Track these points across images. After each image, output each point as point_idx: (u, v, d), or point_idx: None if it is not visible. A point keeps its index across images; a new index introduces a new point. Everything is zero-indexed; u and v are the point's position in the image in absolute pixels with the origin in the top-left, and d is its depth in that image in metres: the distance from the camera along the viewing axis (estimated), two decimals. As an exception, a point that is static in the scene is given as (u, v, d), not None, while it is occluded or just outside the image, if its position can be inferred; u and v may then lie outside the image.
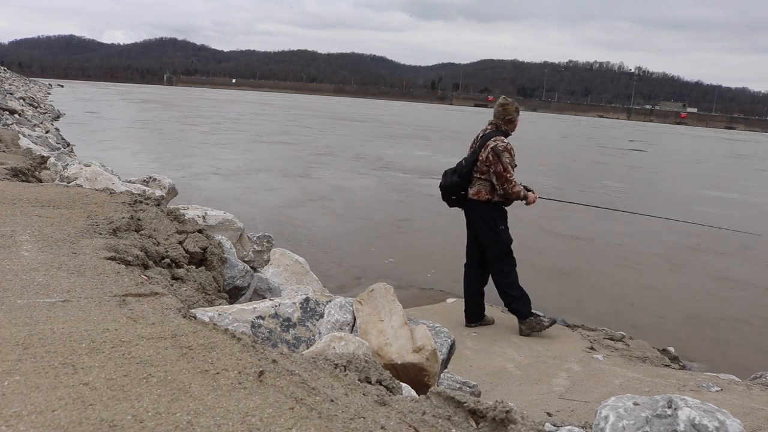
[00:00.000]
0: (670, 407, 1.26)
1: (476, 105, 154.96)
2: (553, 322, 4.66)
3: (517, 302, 4.62)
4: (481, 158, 4.54)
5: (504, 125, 4.64)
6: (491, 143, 4.51)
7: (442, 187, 4.81)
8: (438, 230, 8.84)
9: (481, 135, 4.69)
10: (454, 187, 4.70)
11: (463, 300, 4.90)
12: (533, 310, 4.69)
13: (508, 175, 4.47)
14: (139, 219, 2.87)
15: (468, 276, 4.88)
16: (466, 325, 4.77)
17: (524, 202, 4.64)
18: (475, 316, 4.81)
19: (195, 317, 1.82)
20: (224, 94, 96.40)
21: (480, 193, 4.59)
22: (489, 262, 4.73)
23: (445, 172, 4.84)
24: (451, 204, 4.85)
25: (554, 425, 1.79)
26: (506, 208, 4.71)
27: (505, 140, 4.55)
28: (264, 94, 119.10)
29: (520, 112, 4.80)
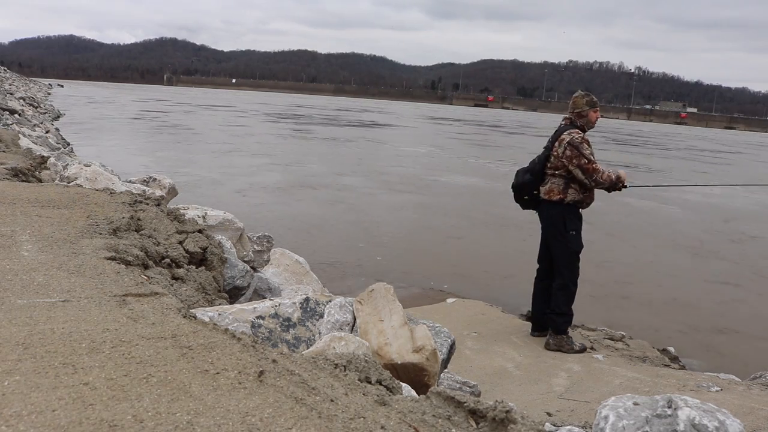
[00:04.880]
0: (670, 407, 1.26)
1: (476, 105, 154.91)
2: (583, 348, 4.36)
3: (562, 318, 4.35)
4: (555, 153, 4.27)
5: (577, 119, 4.36)
6: (566, 136, 4.24)
7: (513, 186, 4.54)
8: (438, 230, 8.85)
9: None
10: (527, 186, 4.44)
11: (531, 308, 4.71)
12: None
13: (594, 165, 4.18)
14: (139, 219, 2.87)
15: (535, 286, 4.63)
16: (531, 334, 4.57)
17: (620, 185, 4.28)
18: (541, 324, 4.56)
19: (195, 317, 1.82)
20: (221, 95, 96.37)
21: (552, 192, 4.31)
22: (554, 266, 4.44)
23: (518, 171, 4.57)
24: (524, 206, 4.58)
25: (554, 425, 1.79)
26: (582, 211, 4.40)
27: (581, 133, 4.27)
28: (264, 95, 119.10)
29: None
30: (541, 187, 4.41)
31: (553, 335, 4.39)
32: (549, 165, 4.35)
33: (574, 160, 4.20)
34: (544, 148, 4.43)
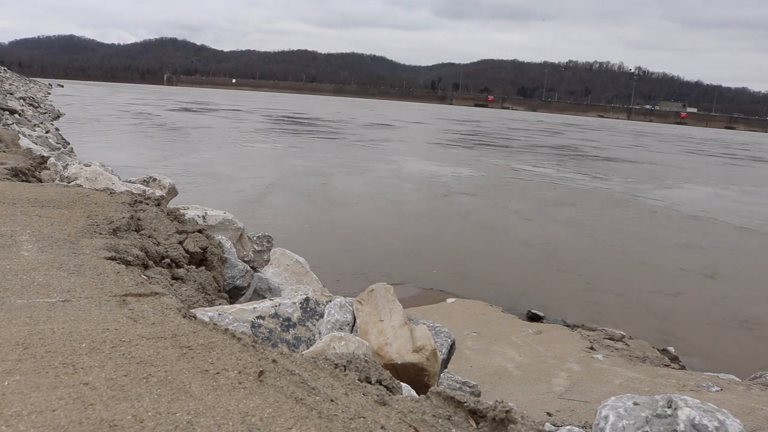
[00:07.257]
0: (670, 407, 1.26)
1: (476, 105, 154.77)
2: None
3: None
4: None
5: None
6: None
7: None
8: (438, 231, 8.84)
9: None
10: None
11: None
12: (533, 310, 4.67)
13: None
14: (139, 219, 2.87)
15: None
16: None
17: None
18: None
19: (195, 317, 1.82)
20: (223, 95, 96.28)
21: None
22: None
23: None
24: None
25: (554, 425, 1.79)
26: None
27: None
28: (263, 95, 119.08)
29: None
30: None
31: None
32: None
33: None
34: None
